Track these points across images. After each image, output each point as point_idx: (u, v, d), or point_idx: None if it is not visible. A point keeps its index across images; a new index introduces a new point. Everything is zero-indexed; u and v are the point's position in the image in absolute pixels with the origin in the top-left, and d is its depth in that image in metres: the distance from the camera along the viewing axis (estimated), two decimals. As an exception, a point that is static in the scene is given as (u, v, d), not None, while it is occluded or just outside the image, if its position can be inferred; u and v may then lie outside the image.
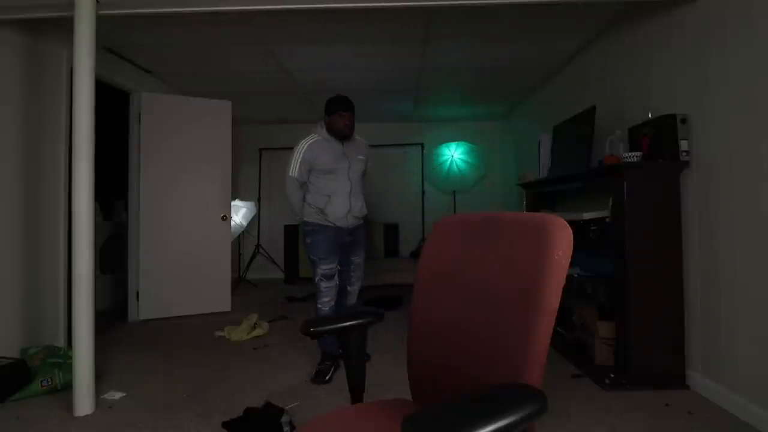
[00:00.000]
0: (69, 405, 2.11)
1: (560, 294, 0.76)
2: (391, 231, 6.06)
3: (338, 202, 2.56)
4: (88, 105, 2.14)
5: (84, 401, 2.10)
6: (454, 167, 6.08)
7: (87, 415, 2.08)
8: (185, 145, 4.05)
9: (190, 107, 4.10)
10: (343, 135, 2.55)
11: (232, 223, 5.16)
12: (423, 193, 6.29)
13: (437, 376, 0.98)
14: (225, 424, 1.93)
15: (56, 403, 2.20)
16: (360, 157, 2.65)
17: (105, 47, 3.33)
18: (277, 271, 6.14)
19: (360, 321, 1.12)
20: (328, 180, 2.56)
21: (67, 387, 2.25)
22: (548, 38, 3.30)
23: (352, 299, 2.77)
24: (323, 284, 2.53)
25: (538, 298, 0.75)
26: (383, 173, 6.21)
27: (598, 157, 2.88)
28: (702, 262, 2.23)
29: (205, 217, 4.15)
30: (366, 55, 3.63)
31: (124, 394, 2.31)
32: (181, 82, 4.25)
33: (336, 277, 2.58)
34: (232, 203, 5.17)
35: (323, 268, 2.52)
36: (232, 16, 2.79)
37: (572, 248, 0.77)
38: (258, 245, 6.12)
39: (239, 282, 5.72)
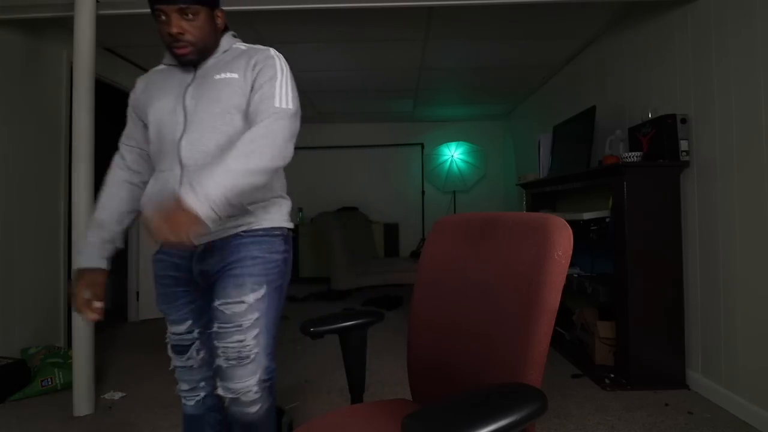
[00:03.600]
0: (69, 405, 2.11)
1: (560, 294, 0.76)
2: (391, 231, 6.07)
3: (154, 187, 1.24)
4: (88, 105, 2.14)
5: (84, 401, 2.10)
6: (454, 167, 6.08)
7: (87, 415, 2.08)
8: (185, 145, 4.04)
9: (190, 107, 4.10)
10: (176, 56, 1.22)
11: (232, 223, 5.14)
12: (423, 193, 6.29)
13: (437, 376, 0.98)
14: (225, 424, 1.92)
15: (56, 403, 2.20)
16: (223, 75, 1.21)
17: (105, 47, 3.33)
18: (277, 271, 6.13)
19: (360, 321, 1.12)
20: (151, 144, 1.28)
21: (67, 387, 2.25)
22: (548, 38, 3.30)
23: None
24: (172, 360, 1.37)
25: (538, 297, 0.75)
26: (383, 173, 6.22)
27: (598, 157, 2.88)
28: (702, 262, 2.23)
29: (205, 217, 4.15)
30: (366, 55, 3.63)
31: (124, 394, 2.31)
32: (181, 82, 4.24)
33: (195, 351, 1.32)
34: (232, 203, 5.15)
35: (168, 330, 1.34)
36: (233, 16, 2.79)
37: (572, 248, 0.77)
38: (258, 245, 6.11)
39: (239, 282, 5.71)
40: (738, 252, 2.00)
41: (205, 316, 1.28)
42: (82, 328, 2.11)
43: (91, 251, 1.23)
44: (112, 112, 4.24)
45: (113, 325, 3.75)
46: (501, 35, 3.23)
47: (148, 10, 1.18)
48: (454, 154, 6.10)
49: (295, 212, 5.97)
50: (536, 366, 0.75)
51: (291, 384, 2.44)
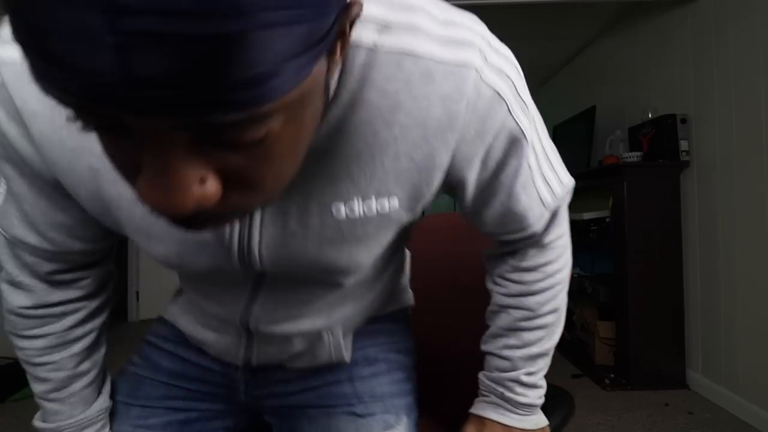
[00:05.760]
0: (69, 405, 2.11)
1: (560, 294, 0.75)
2: (391, 231, 6.07)
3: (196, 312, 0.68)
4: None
5: (84, 401, 2.09)
6: (454, 167, 6.08)
7: (87, 415, 2.08)
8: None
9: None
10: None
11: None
12: (423, 193, 6.29)
13: (437, 375, 0.98)
14: (225, 424, 1.91)
15: (56, 403, 2.20)
16: (358, 207, 0.45)
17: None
18: (277, 271, 6.13)
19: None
20: None
21: (67, 387, 2.25)
22: (548, 38, 3.29)
23: None
24: None
25: (539, 298, 0.75)
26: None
27: (598, 157, 2.88)
28: (702, 262, 2.23)
29: (205, 217, 4.14)
30: (366, 55, 3.62)
31: (124, 394, 2.31)
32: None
33: None
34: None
35: None
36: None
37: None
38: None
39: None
40: (738, 252, 2.00)
41: None
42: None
43: None
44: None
45: (113, 325, 3.75)
46: (500, 35, 3.16)
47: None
48: (454, 154, 6.10)
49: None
50: (536, 366, 0.74)
51: (291, 384, 2.43)
